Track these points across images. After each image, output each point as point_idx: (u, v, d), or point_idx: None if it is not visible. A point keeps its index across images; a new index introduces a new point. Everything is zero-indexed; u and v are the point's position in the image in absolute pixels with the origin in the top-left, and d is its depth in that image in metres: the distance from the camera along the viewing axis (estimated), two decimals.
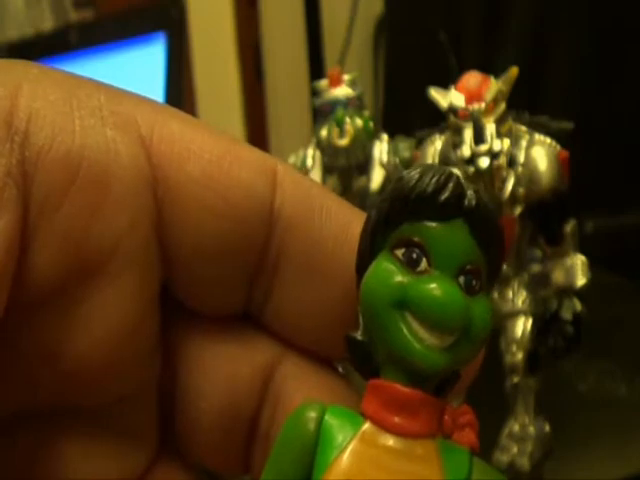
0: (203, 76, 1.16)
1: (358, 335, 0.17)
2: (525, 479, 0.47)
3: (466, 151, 0.42)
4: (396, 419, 0.17)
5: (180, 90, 0.91)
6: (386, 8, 1.08)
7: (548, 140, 0.45)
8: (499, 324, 0.48)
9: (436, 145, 0.48)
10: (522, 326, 0.47)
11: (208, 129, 0.19)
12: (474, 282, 0.17)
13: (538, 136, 0.45)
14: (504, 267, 0.47)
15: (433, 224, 0.16)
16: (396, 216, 0.17)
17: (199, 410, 0.20)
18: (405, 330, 0.16)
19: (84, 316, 0.17)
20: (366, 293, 0.17)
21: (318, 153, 0.53)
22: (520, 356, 0.47)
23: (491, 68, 0.46)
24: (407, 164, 0.51)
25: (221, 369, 0.20)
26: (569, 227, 0.47)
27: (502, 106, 0.44)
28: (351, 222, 0.19)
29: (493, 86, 0.43)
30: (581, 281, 0.47)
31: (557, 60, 0.83)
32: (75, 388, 0.18)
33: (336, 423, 0.17)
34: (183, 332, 0.20)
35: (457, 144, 0.43)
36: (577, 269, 0.47)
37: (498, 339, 0.48)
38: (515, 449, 0.47)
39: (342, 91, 0.52)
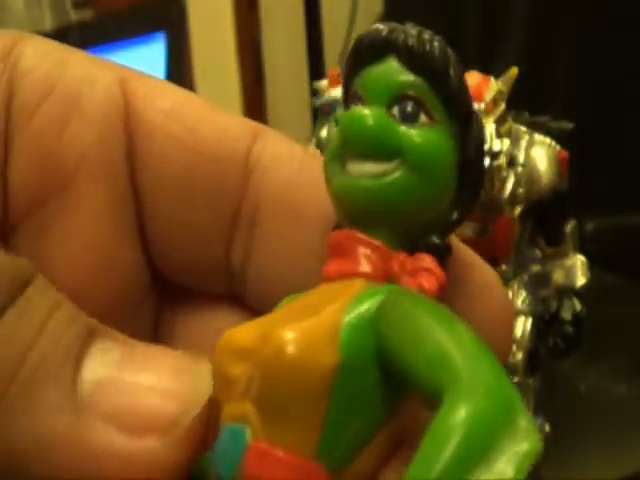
0: (203, 76, 1.16)
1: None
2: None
3: None
4: (330, 263, 0.16)
5: None
6: (386, 8, 1.08)
7: (548, 140, 0.45)
8: None
9: None
10: (522, 326, 0.47)
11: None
12: (409, 108, 0.16)
13: (538, 136, 0.45)
14: (504, 267, 0.47)
15: (367, 68, 0.17)
16: (349, 72, 0.17)
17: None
18: (338, 171, 0.16)
19: (59, 234, 0.18)
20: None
21: (318, 153, 0.53)
22: (520, 356, 0.47)
23: (491, 68, 0.46)
24: None
25: None
26: (569, 227, 0.47)
27: (502, 106, 0.43)
28: None
29: (493, 86, 0.43)
30: (581, 281, 0.47)
31: (557, 60, 0.83)
32: None
33: None
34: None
35: None
36: (577, 269, 0.47)
37: None
38: None
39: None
